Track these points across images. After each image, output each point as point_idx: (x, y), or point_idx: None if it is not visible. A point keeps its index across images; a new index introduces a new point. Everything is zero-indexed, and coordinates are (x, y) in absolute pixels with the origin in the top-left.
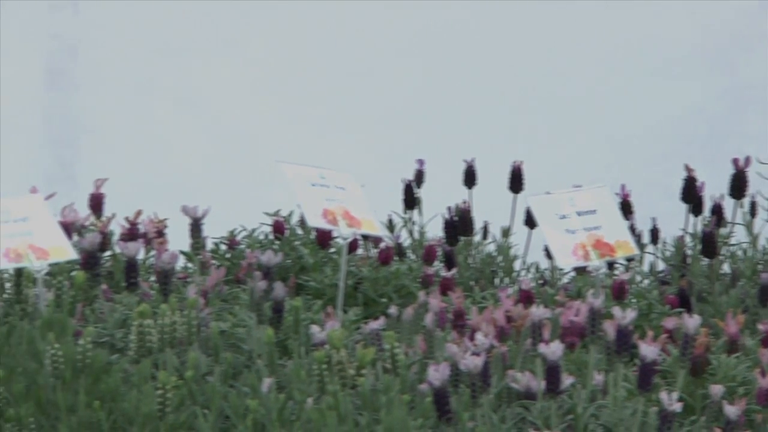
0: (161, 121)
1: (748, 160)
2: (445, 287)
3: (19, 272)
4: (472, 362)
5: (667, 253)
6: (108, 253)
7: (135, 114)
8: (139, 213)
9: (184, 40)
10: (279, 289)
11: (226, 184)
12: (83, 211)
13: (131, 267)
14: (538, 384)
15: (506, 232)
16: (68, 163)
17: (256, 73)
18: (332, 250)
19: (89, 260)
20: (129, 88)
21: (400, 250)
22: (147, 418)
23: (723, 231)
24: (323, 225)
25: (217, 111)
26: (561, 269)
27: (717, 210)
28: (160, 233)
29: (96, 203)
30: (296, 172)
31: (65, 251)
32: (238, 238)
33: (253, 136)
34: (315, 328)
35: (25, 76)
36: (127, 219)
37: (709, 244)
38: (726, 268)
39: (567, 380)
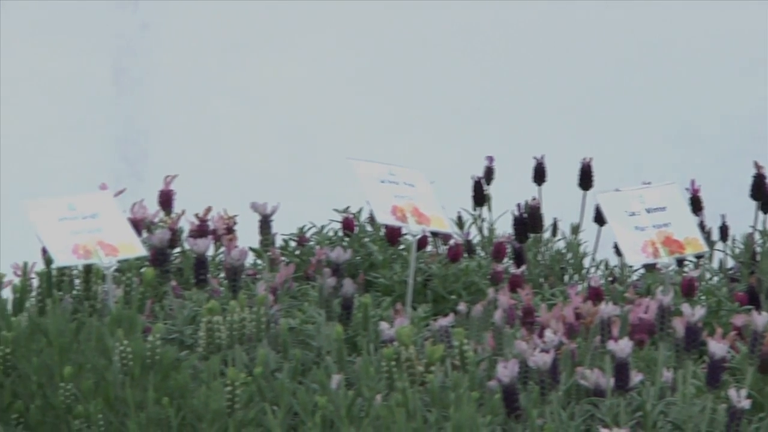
0: (230, 117)
1: None
2: (515, 284)
3: (89, 269)
4: (541, 359)
5: (737, 250)
6: (177, 249)
7: (203, 111)
8: (208, 210)
9: (251, 37)
10: (348, 285)
11: (296, 180)
12: (152, 208)
13: (200, 264)
14: (607, 381)
15: (576, 229)
16: (134, 160)
17: (325, 69)
18: (401, 246)
19: (159, 257)
20: (197, 84)
21: (469, 247)
22: (216, 414)
23: None
24: (392, 222)
25: (287, 107)
26: (630, 266)
27: None
28: (230, 230)
29: (166, 200)
30: (365, 169)
31: (134, 248)
32: (308, 234)
33: (322, 133)
34: (384, 325)
35: (91, 74)
36: (196, 216)
37: None
38: None
39: (636, 377)
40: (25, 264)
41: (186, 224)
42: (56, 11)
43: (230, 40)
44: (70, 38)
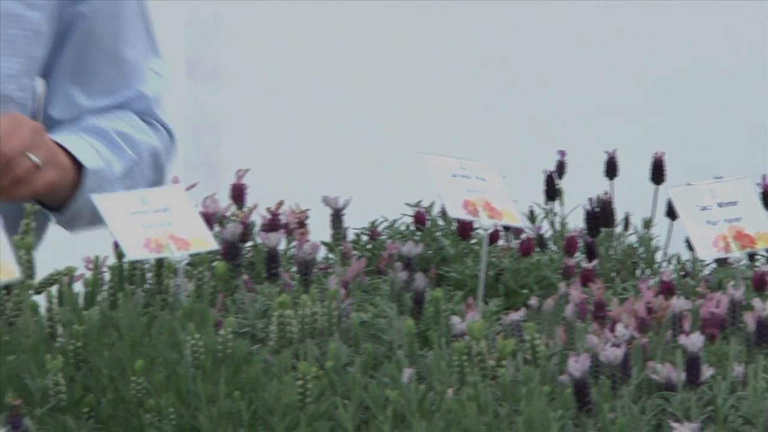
0: (301, 110)
1: None
2: (586, 278)
3: (160, 263)
4: (612, 353)
5: None
6: (249, 243)
7: (274, 104)
8: (280, 203)
9: (321, 29)
10: (420, 280)
11: (368, 174)
12: (224, 202)
13: (272, 257)
14: (678, 375)
15: (647, 224)
16: (207, 150)
17: (394, 62)
18: (473, 240)
19: (230, 250)
20: (270, 76)
21: (541, 241)
22: (287, 408)
23: None
24: (464, 216)
25: (358, 101)
26: (702, 261)
27: None
28: (302, 224)
29: (238, 194)
30: (436, 162)
31: (206, 242)
32: (380, 228)
33: (393, 126)
34: (455, 319)
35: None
36: (268, 209)
37: None
38: None
39: (707, 372)
40: (97, 258)
41: (258, 218)
42: None
43: (303, 32)
44: None
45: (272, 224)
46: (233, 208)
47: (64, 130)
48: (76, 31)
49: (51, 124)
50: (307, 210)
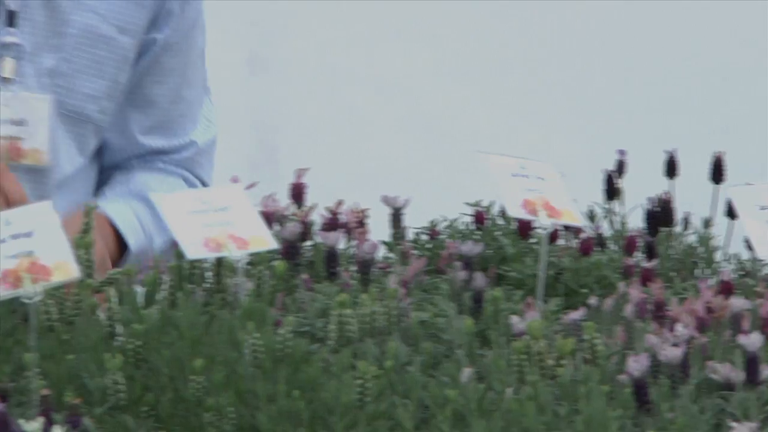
0: (361, 109)
1: None
2: (646, 278)
3: (220, 262)
4: (671, 353)
5: None
6: (308, 243)
7: (334, 102)
8: (340, 203)
9: (382, 27)
10: (479, 279)
11: (427, 173)
12: (284, 201)
13: (332, 256)
14: (738, 375)
15: (707, 223)
16: (269, 148)
17: (455, 61)
18: (533, 240)
19: (290, 250)
20: (330, 75)
21: (600, 241)
22: (346, 407)
23: None
24: (523, 215)
25: (417, 99)
26: (761, 260)
27: None
28: (361, 223)
29: (297, 193)
30: (496, 162)
31: (266, 241)
32: (439, 228)
33: (453, 125)
34: (515, 319)
35: (228, 61)
36: (327, 209)
37: None
38: None
39: (766, 371)
40: (156, 257)
41: (317, 217)
42: None
43: (364, 30)
44: (208, 22)
45: (331, 223)
46: (293, 208)
47: (114, 188)
48: (146, 58)
49: (103, 144)
50: (367, 209)
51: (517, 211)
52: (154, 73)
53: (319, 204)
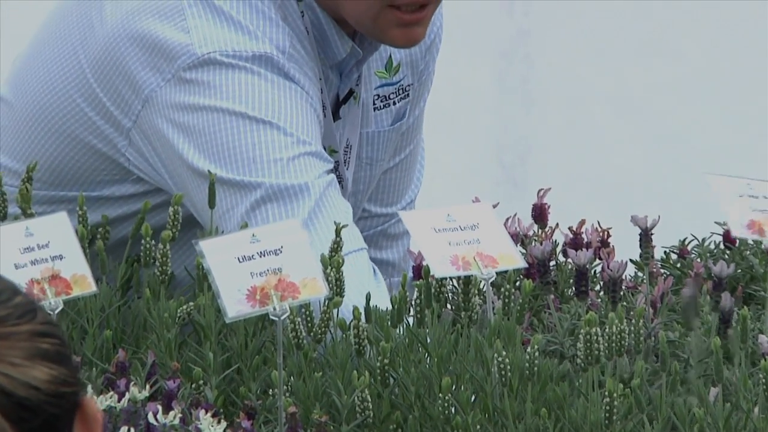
0: (603, 127)
1: None
2: None
3: (467, 280)
4: None
5: None
6: (552, 262)
7: (580, 121)
8: (582, 222)
9: (625, 46)
10: (726, 299)
11: (674, 191)
12: (527, 219)
13: (581, 275)
14: None
15: None
16: (511, 167)
17: (700, 78)
18: None
19: (539, 268)
20: (574, 94)
21: None
22: (594, 426)
23: None
24: (748, 236)
25: (660, 116)
26: None
27: None
28: (604, 243)
29: (539, 213)
30: (722, 183)
31: (514, 259)
32: (689, 247)
33: (698, 143)
34: (763, 338)
35: (473, 79)
36: (570, 229)
37: None
38: None
39: None
40: (405, 276)
41: (560, 236)
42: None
43: (607, 48)
44: (454, 43)
45: (575, 243)
46: (535, 228)
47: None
48: None
49: None
50: (609, 228)
51: (742, 231)
52: (402, 163)
53: (561, 221)
